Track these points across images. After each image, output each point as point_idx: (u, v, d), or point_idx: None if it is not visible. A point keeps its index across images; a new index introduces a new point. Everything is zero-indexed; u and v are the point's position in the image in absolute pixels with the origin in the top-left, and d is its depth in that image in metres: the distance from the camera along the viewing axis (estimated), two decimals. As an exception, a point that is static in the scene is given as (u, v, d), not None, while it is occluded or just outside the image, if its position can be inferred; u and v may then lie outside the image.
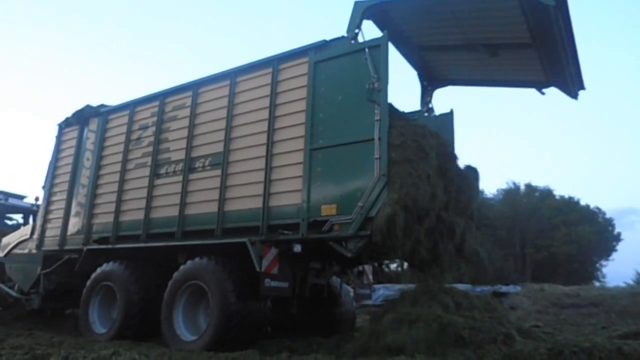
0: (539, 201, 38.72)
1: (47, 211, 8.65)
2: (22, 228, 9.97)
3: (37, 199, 11.25)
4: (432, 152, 5.66)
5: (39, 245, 8.45)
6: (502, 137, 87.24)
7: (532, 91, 7.27)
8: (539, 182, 54.11)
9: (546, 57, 6.36)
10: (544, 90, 7.10)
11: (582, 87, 6.63)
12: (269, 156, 5.98)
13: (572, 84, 6.57)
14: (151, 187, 7.12)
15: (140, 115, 7.70)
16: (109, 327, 6.71)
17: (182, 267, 6.14)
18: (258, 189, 5.97)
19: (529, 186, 40.62)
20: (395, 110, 6.66)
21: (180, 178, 6.81)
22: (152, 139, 7.35)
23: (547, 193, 39.63)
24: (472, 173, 6.55)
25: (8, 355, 4.58)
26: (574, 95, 6.77)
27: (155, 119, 7.42)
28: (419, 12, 6.27)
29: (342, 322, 7.40)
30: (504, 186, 41.30)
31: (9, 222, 11.91)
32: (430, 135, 5.93)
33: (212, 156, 6.58)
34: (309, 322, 7.14)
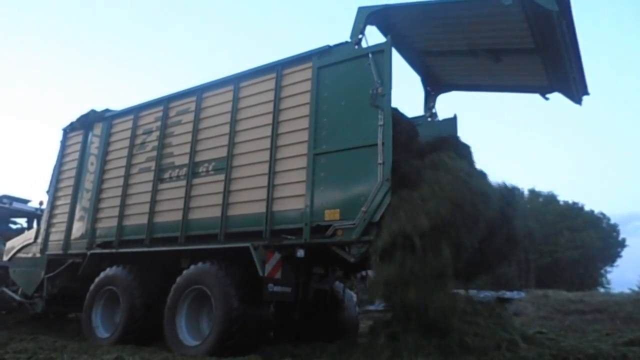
0: (543, 206, 38.59)
1: (51, 215, 8.67)
2: (26, 232, 10.00)
3: (41, 203, 11.32)
4: (484, 219, 4.95)
5: (43, 250, 8.47)
6: (506, 142, 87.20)
7: (536, 96, 7.28)
8: (543, 187, 53.95)
9: (550, 62, 6.35)
10: (547, 95, 7.10)
11: (586, 93, 6.62)
12: (273, 161, 5.98)
13: (576, 89, 6.57)
14: (155, 191, 7.13)
15: (144, 120, 7.73)
16: (112, 332, 6.70)
17: (185, 272, 6.14)
18: (261, 194, 5.97)
19: (532, 191, 40.53)
20: (401, 114, 6.66)
21: (183, 183, 6.83)
22: (156, 143, 7.37)
23: (551, 198, 39.53)
24: (527, 237, 5.82)
25: (12, 359, 4.59)
26: (578, 101, 6.76)
27: (159, 123, 7.44)
28: (422, 17, 6.29)
29: (345, 327, 7.38)
30: (508, 191, 41.15)
31: (13, 226, 11.96)
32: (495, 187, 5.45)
33: (215, 161, 6.59)
34: (311, 327, 7.12)
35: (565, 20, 5.32)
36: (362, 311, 9.49)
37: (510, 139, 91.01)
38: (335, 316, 7.36)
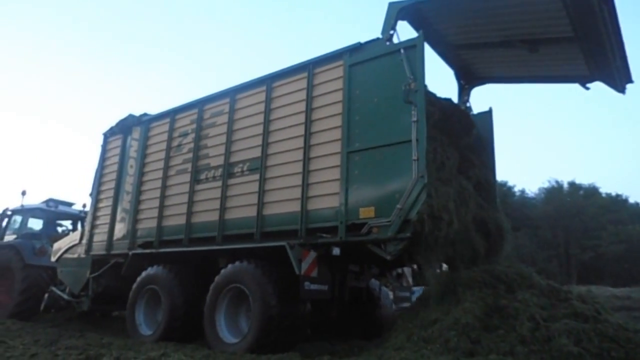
0: (584, 199, 37.36)
1: (94, 217, 8.98)
2: (71, 234, 10.42)
3: (84, 205, 11.78)
4: None
5: (88, 250, 8.79)
6: (544, 133, 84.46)
7: (575, 85, 7.04)
8: (584, 179, 52.18)
9: (590, 50, 6.13)
10: (588, 85, 6.85)
11: (630, 81, 6.36)
12: (306, 160, 6.02)
13: (618, 77, 6.31)
14: (192, 192, 7.30)
15: (180, 122, 7.91)
16: (154, 329, 6.91)
17: (223, 271, 6.25)
18: (296, 193, 6.02)
19: (572, 184, 39.29)
20: (456, 105, 6.85)
21: (219, 183, 6.95)
22: (192, 145, 7.54)
23: (593, 191, 38.23)
24: None
25: (64, 355, 4.81)
26: (621, 90, 6.50)
27: (194, 125, 7.60)
28: (454, 10, 6.18)
29: (382, 324, 7.34)
30: (546, 185, 40.12)
31: (59, 229, 12.46)
32: None
33: (250, 161, 6.68)
34: (348, 325, 7.14)
35: (606, 6, 5.12)
36: (398, 309, 9.42)
37: (548, 129, 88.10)
38: (372, 314, 7.34)
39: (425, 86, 6.03)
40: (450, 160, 5.94)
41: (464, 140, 6.67)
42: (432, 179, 5.28)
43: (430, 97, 6.19)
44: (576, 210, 35.83)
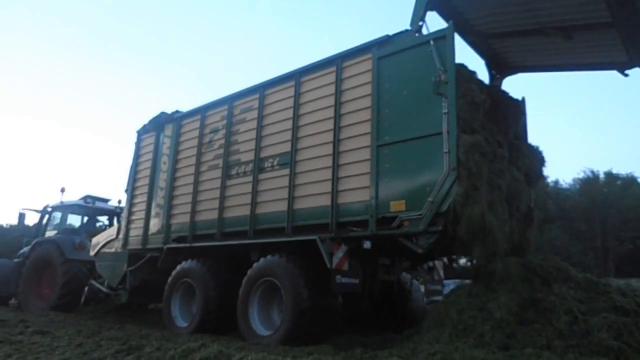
0: (621, 190, 36.06)
1: (130, 213, 9.23)
2: (108, 229, 10.76)
3: (119, 201, 12.14)
4: None
5: (124, 245, 9.05)
6: (578, 121, 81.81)
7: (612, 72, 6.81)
8: (621, 169, 50.32)
9: (629, 36, 5.91)
10: (627, 71, 6.61)
11: (671, 66, 6.10)
12: (336, 154, 6.03)
13: (660, 63, 6.07)
14: (223, 187, 7.42)
15: (211, 119, 8.03)
16: (189, 322, 7.08)
17: (255, 265, 6.35)
18: (326, 187, 6.05)
19: (609, 174, 37.96)
20: (505, 93, 6.80)
21: (250, 178, 7.04)
22: (222, 141, 7.65)
23: (631, 181, 36.85)
24: None
25: (107, 345, 5.00)
26: (663, 75, 6.25)
27: (225, 122, 7.71)
28: (485, -2, 6.06)
29: (413, 318, 7.33)
30: (581, 175, 38.90)
31: (97, 224, 12.88)
32: None
33: (280, 156, 6.74)
34: (380, 318, 7.15)
35: (646, -11, 4.92)
36: (430, 302, 9.36)
37: (583, 117, 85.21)
38: (403, 307, 7.34)
39: (474, 73, 5.91)
40: (501, 149, 5.83)
41: (514, 128, 6.52)
42: (484, 172, 5.13)
43: (480, 85, 6.07)
44: (613, 201, 34.64)
